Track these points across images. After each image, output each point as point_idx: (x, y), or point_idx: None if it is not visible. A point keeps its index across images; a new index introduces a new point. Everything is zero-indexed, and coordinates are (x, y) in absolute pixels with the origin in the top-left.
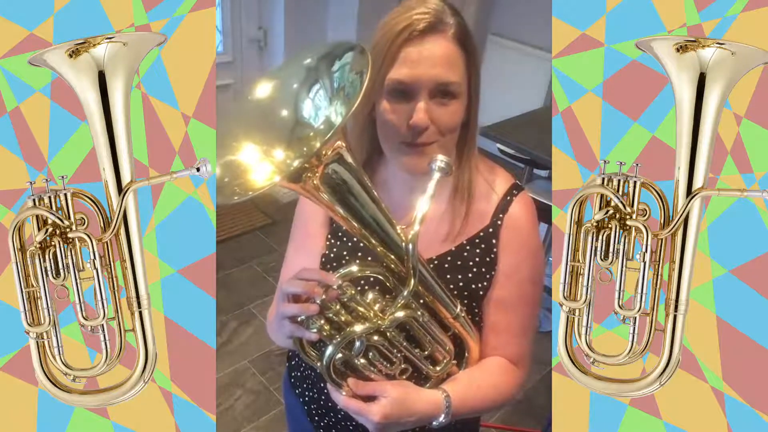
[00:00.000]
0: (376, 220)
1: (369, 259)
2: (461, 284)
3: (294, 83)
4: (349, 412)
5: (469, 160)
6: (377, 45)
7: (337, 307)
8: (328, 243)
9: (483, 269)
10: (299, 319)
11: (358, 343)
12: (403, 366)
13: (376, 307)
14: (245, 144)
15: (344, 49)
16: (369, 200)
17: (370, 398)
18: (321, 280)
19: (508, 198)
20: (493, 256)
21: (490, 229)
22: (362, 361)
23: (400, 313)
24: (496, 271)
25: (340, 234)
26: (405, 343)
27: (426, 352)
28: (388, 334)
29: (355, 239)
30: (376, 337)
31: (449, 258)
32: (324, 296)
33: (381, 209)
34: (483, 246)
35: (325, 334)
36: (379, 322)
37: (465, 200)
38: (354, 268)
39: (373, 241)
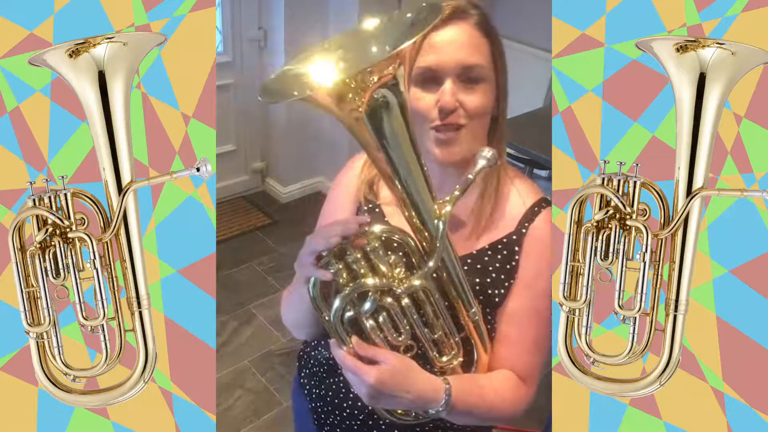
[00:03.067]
0: (415, 178)
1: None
2: (477, 287)
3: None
4: (344, 368)
5: (498, 158)
6: None
7: (358, 254)
8: None
9: (502, 276)
10: (321, 263)
11: (369, 303)
12: (409, 342)
13: (396, 270)
14: (318, 64)
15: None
16: (412, 150)
17: (371, 364)
18: (353, 221)
19: (536, 209)
20: (514, 263)
21: (514, 237)
22: (371, 322)
23: (417, 282)
24: (515, 280)
25: None
26: (416, 316)
27: (435, 336)
28: (401, 300)
29: None
30: (389, 299)
31: (469, 260)
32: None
33: (422, 167)
34: (505, 252)
35: (341, 281)
36: (394, 283)
37: (492, 199)
38: (379, 227)
39: (408, 204)
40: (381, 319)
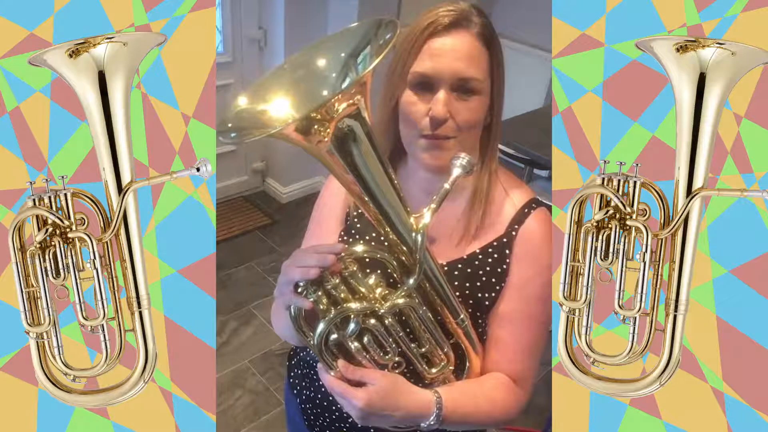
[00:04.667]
0: (387, 198)
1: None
2: (467, 292)
3: (339, 62)
4: (333, 393)
5: (490, 164)
6: (404, 38)
7: (337, 281)
8: (340, 239)
9: (493, 280)
10: (299, 290)
11: (353, 325)
12: (397, 359)
13: (377, 291)
14: (277, 97)
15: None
16: (382, 171)
17: (359, 385)
18: (326, 251)
19: (526, 210)
20: (504, 266)
21: (504, 239)
22: (356, 344)
23: (400, 300)
24: (506, 283)
25: (353, 231)
26: (401, 334)
27: (423, 350)
28: (385, 320)
29: (368, 237)
30: (372, 321)
31: (460, 265)
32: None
33: (394, 186)
34: (495, 256)
35: (322, 307)
36: (377, 305)
37: (482, 204)
38: (359, 248)
39: (383, 222)
40: (366, 340)
